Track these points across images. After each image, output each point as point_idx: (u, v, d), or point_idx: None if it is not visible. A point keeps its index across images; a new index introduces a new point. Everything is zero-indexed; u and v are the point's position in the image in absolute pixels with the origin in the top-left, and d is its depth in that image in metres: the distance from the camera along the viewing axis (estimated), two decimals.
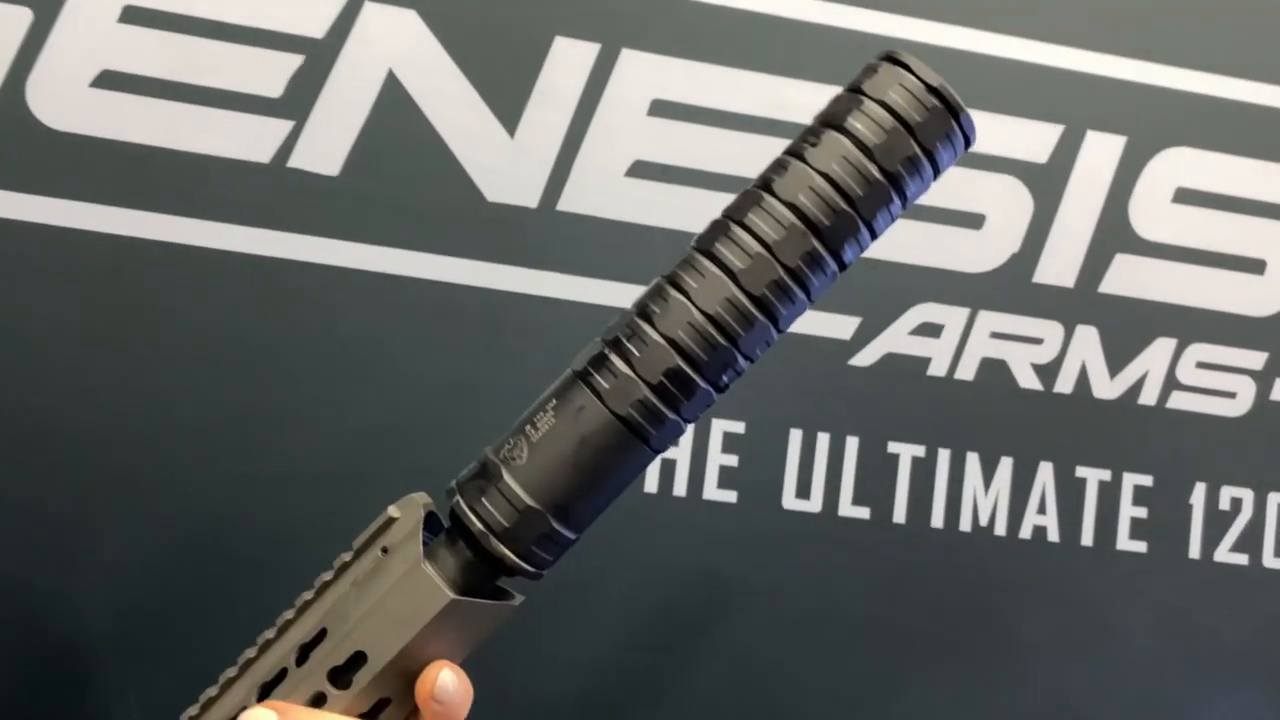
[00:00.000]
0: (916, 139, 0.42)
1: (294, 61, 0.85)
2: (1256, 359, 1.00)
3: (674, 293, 0.44)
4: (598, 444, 0.43)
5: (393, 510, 0.46)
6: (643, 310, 0.45)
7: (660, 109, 0.91)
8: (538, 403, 0.46)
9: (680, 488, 0.90)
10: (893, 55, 0.44)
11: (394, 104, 0.87)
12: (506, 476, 0.44)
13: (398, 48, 0.87)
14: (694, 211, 0.90)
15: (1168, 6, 1.00)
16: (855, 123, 0.42)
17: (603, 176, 0.90)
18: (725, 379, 0.45)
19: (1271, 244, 1.01)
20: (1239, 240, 1.01)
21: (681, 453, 0.90)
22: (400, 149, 0.87)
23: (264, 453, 0.84)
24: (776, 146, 0.91)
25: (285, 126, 0.85)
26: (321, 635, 0.45)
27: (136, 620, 0.82)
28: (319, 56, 0.86)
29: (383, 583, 0.44)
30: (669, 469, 0.90)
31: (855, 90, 0.44)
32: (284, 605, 0.48)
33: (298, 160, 0.85)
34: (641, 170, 0.91)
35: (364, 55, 0.87)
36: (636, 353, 0.43)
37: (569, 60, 0.90)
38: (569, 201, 0.90)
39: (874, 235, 0.44)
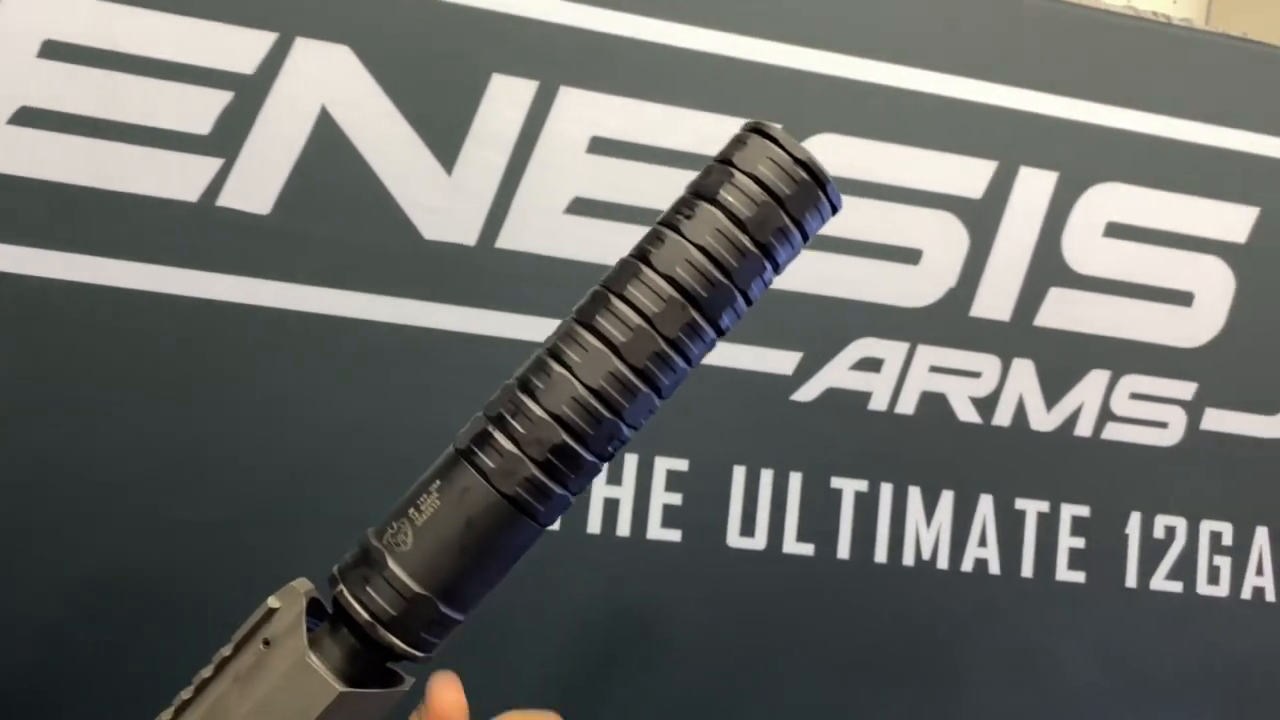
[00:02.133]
0: (786, 210, 0.44)
1: (223, 98, 0.83)
2: (1187, 389, 1.02)
3: (557, 367, 0.44)
4: (485, 525, 0.43)
5: (273, 601, 0.44)
6: (525, 385, 0.44)
7: (599, 146, 0.91)
8: (420, 483, 0.45)
9: (624, 528, 0.89)
10: (759, 128, 0.45)
11: (327, 141, 0.85)
12: (391, 563, 0.43)
13: (331, 84, 0.86)
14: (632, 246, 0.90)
15: (1098, 46, 1.02)
16: (727, 195, 0.43)
17: (542, 214, 0.89)
18: (611, 449, 0.45)
19: (1199, 276, 1.04)
20: (1167, 273, 1.03)
21: (625, 492, 0.89)
22: (334, 187, 0.86)
23: (189, 499, 0.82)
24: None
25: (214, 164, 0.83)
26: None
27: (43, 674, 0.79)
28: (249, 93, 0.84)
29: (267, 678, 0.42)
30: (612, 509, 0.89)
31: (725, 162, 0.45)
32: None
33: (227, 199, 0.83)
34: (581, 207, 0.90)
35: (296, 92, 0.85)
36: (521, 429, 0.43)
37: (507, 98, 0.89)
38: (508, 239, 0.89)
39: (749, 302, 0.46)
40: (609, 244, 0.88)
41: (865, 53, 0.96)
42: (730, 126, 0.92)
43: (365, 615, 0.43)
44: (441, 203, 0.87)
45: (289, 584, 0.44)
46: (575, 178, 0.90)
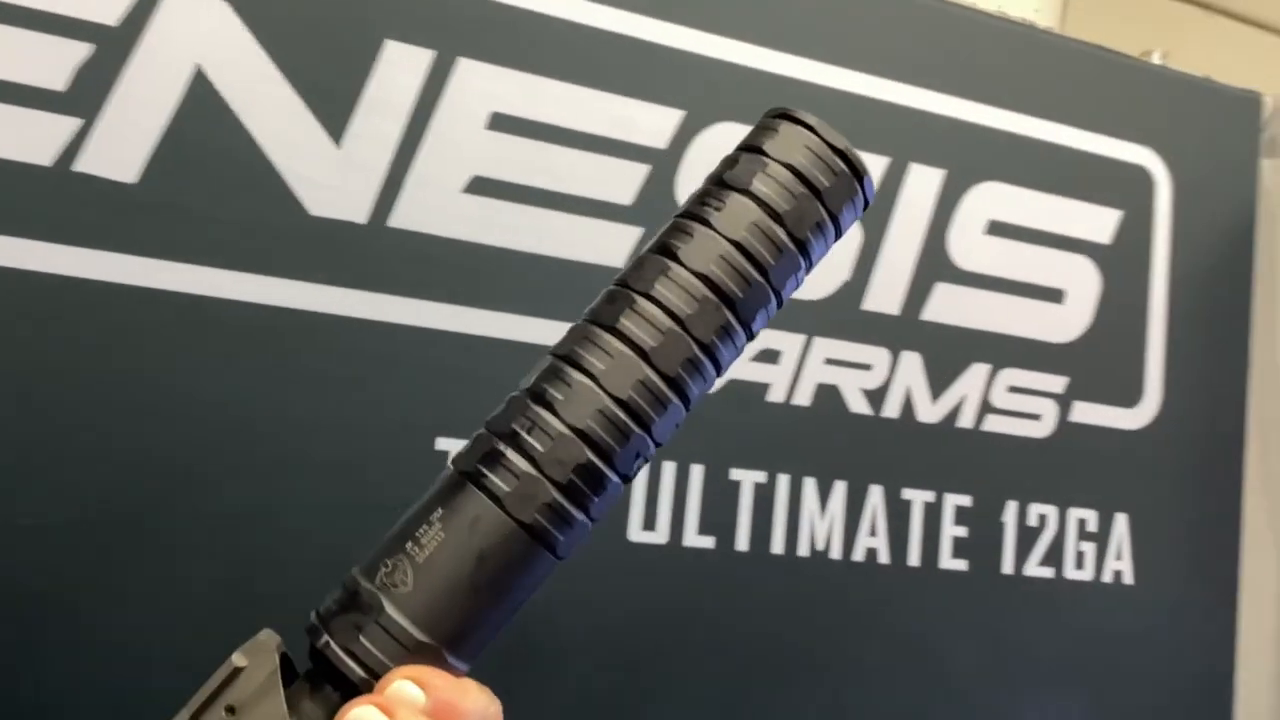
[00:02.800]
0: (824, 204, 0.40)
1: (81, 51, 0.75)
2: (1058, 383, 1.07)
3: (577, 375, 0.39)
4: (499, 560, 0.37)
5: (238, 658, 0.37)
6: (540, 397, 0.39)
7: (500, 123, 0.86)
8: (416, 512, 0.39)
9: None
10: (792, 114, 0.41)
11: (202, 105, 0.78)
12: (389, 608, 0.37)
13: (206, 42, 0.78)
14: (535, 231, 0.86)
15: (978, 47, 1.05)
16: (762, 186, 0.40)
17: (438, 192, 0.84)
18: (635, 468, 0.40)
19: (1070, 275, 1.08)
20: (1042, 271, 1.07)
21: None
22: (210, 155, 0.78)
23: (39, 496, 0.73)
24: (618, 167, 0.89)
25: (71, 125, 0.74)
26: None
27: None
28: (112, 46, 0.75)
29: None
30: None
31: (756, 150, 0.41)
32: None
33: (86, 164, 0.74)
34: (481, 186, 0.86)
35: (166, 48, 0.77)
36: (540, 447, 0.37)
37: (401, 66, 0.83)
38: (401, 218, 0.83)
39: (780, 304, 0.42)
40: (509, 226, 0.84)
41: (768, 42, 0.95)
42: (634, 110, 0.90)
43: (359, 671, 0.36)
44: (329, 176, 0.81)
45: (254, 638, 0.37)
46: (474, 155, 0.85)
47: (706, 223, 0.40)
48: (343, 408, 0.81)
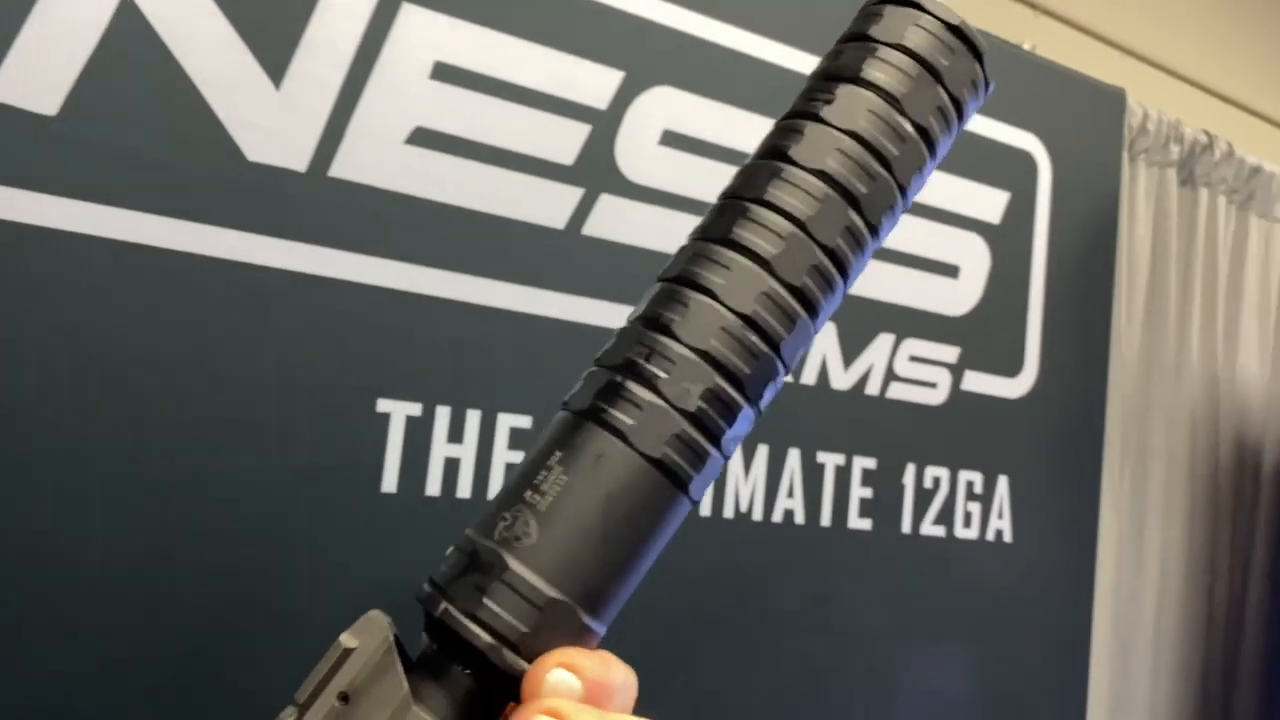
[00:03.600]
0: (945, 86, 0.36)
1: None
2: (952, 353, 1.13)
3: (695, 294, 0.34)
4: (630, 500, 0.33)
5: (346, 639, 0.33)
6: (655, 321, 0.34)
7: (444, 73, 0.83)
8: (532, 459, 0.34)
9: (465, 489, 0.83)
10: None
11: (130, 34, 0.71)
12: (514, 563, 0.32)
13: None
14: (478, 188, 0.84)
15: None
16: (875, 72, 0.35)
17: (381, 142, 0.81)
18: (766, 394, 0.35)
19: (964, 251, 1.14)
20: (940, 247, 1.13)
21: (466, 451, 0.83)
22: (137, 89, 0.72)
23: None
24: (560, 125, 0.88)
25: None
26: None
27: None
28: None
29: None
30: (453, 469, 0.83)
31: (861, 38, 0.37)
32: None
33: (1, 93, 0.67)
34: (423, 138, 0.82)
35: None
36: (662, 374, 0.33)
37: (344, 8, 0.79)
38: (343, 167, 0.79)
39: (906, 203, 0.37)
40: (453, 181, 0.82)
41: (709, 10, 0.95)
42: (580, 70, 0.89)
43: (487, 638, 0.32)
44: (269, 120, 0.76)
45: (363, 617, 0.33)
46: (417, 105, 0.82)
47: (817, 117, 0.35)
48: (278, 366, 0.76)
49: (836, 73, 0.36)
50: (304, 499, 0.77)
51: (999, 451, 1.17)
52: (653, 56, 0.93)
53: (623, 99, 0.92)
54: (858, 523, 1.06)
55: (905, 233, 1.09)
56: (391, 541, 0.80)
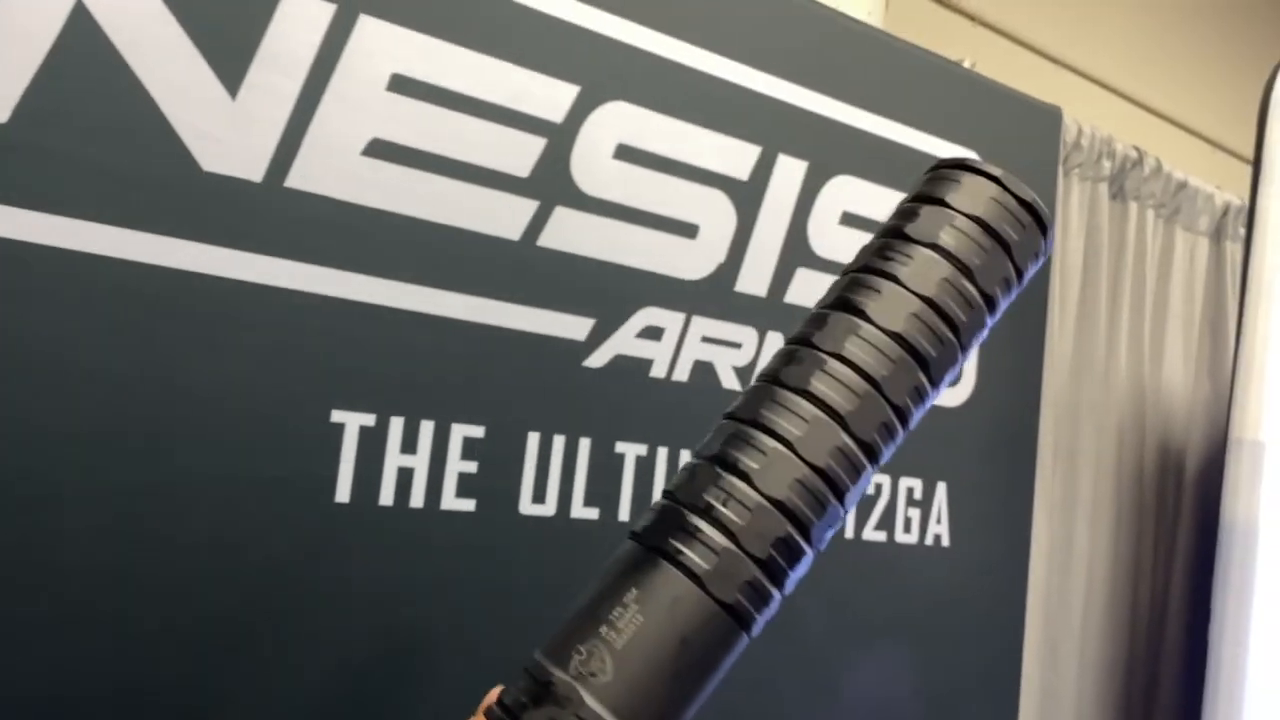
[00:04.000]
0: (1013, 258, 0.39)
1: None
2: None
3: (771, 442, 0.36)
4: (702, 644, 0.35)
5: None
6: (732, 465, 0.36)
7: (401, 85, 0.83)
8: (604, 589, 0.36)
9: (418, 498, 0.84)
10: (975, 165, 0.40)
11: (84, 42, 0.71)
12: (590, 700, 0.34)
13: None
14: (434, 199, 0.84)
15: (840, 48, 1.11)
16: (950, 240, 0.38)
17: (338, 153, 0.81)
18: (826, 541, 0.38)
19: None
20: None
21: (420, 460, 0.84)
22: (91, 98, 0.71)
23: None
24: (515, 138, 0.88)
25: None
26: None
27: None
28: None
29: None
30: (406, 477, 0.83)
31: (938, 201, 0.39)
32: None
33: None
34: (380, 150, 0.83)
35: None
36: (738, 520, 0.35)
37: (301, 19, 0.79)
38: (299, 178, 0.79)
39: (966, 360, 0.40)
40: (409, 192, 0.83)
41: (669, 29, 0.97)
42: (534, 83, 0.90)
43: None
44: (224, 130, 0.76)
45: None
46: (374, 117, 0.82)
47: (895, 278, 0.38)
48: (232, 377, 0.76)
49: (915, 235, 0.39)
50: (258, 509, 0.77)
51: (938, 459, 1.20)
52: (608, 72, 0.94)
53: (578, 113, 0.93)
54: None
55: (845, 246, 1.12)
56: (345, 552, 0.80)
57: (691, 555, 0.35)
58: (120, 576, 0.72)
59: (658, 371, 0.97)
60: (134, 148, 0.72)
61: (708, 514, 0.35)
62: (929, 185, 0.39)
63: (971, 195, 0.39)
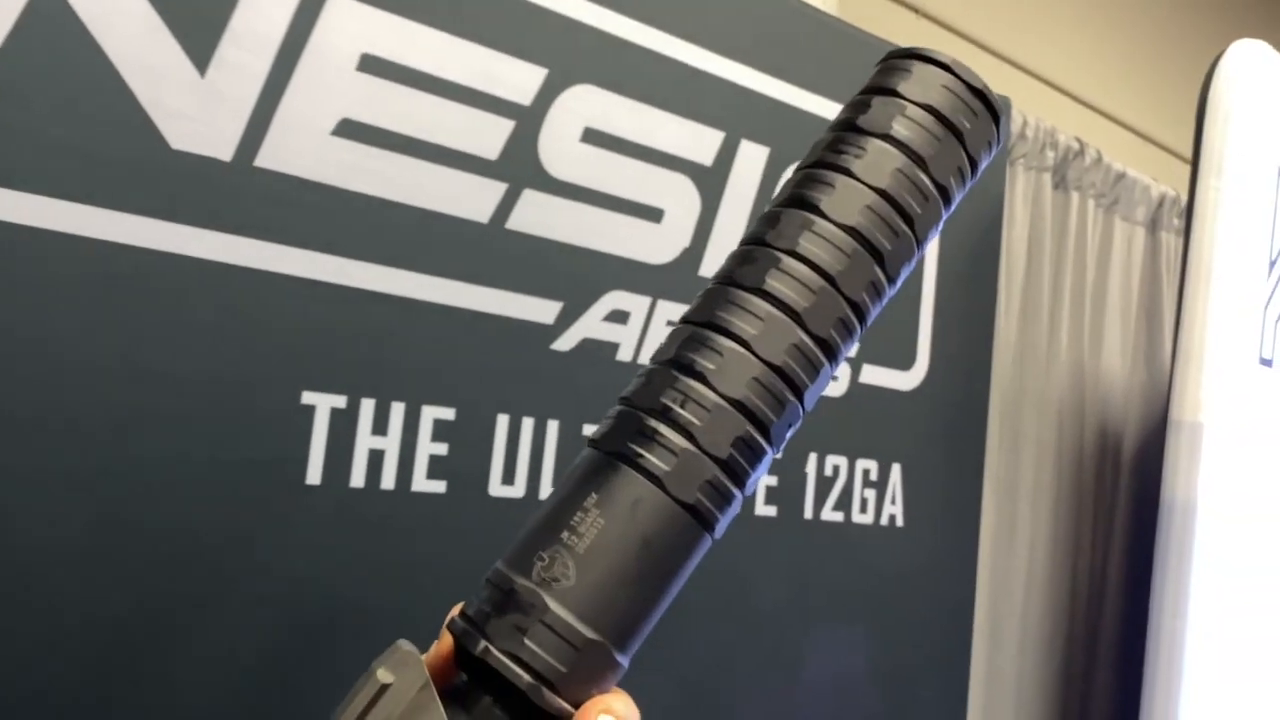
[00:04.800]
0: (966, 147, 0.38)
1: None
2: (852, 347, 1.18)
3: (727, 342, 0.35)
4: (665, 545, 0.34)
5: (383, 674, 0.33)
6: (688, 367, 0.35)
7: (371, 66, 0.83)
8: (565, 498, 0.35)
9: (389, 480, 0.84)
10: (926, 54, 0.38)
11: (48, 14, 0.69)
12: (553, 605, 0.33)
13: None
14: (403, 181, 0.84)
15: (828, 43, 1.13)
16: (903, 130, 0.37)
17: (308, 133, 0.80)
18: (786, 440, 0.37)
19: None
20: None
21: (390, 442, 0.84)
22: (57, 73, 0.70)
23: None
24: (484, 120, 0.88)
25: None
26: None
27: None
28: None
29: None
30: (377, 459, 0.83)
31: (889, 91, 0.38)
32: None
33: None
34: (349, 130, 0.82)
35: None
36: (696, 421, 0.34)
37: None
38: (269, 157, 0.79)
39: (921, 253, 0.39)
40: (378, 173, 0.82)
41: (641, 16, 0.97)
42: (503, 65, 0.90)
43: (527, 678, 0.33)
44: (193, 108, 0.75)
45: (393, 649, 0.33)
46: (344, 97, 0.82)
47: (848, 171, 0.37)
48: (202, 358, 0.76)
49: (867, 126, 0.37)
50: (229, 492, 0.77)
51: (892, 440, 1.23)
52: (576, 55, 0.95)
53: (546, 95, 0.93)
54: (764, 509, 1.10)
55: None
56: (317, 534, 0.80)
57: (650, 458, 0.34)
58: (88, 560, 0.71)
59: (624, 355, 0.98)
60: (102, 125, 0.71)
61: (665, 416, 0.35)
62: (881, 76, 0.39)
63: (923, 84, 0.38)
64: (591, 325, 0.96)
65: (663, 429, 0.35)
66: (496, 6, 0.89)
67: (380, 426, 0.83)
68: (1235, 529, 1.34)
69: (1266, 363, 1.39)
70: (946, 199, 0.38)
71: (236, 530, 0.77)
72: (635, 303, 0.99)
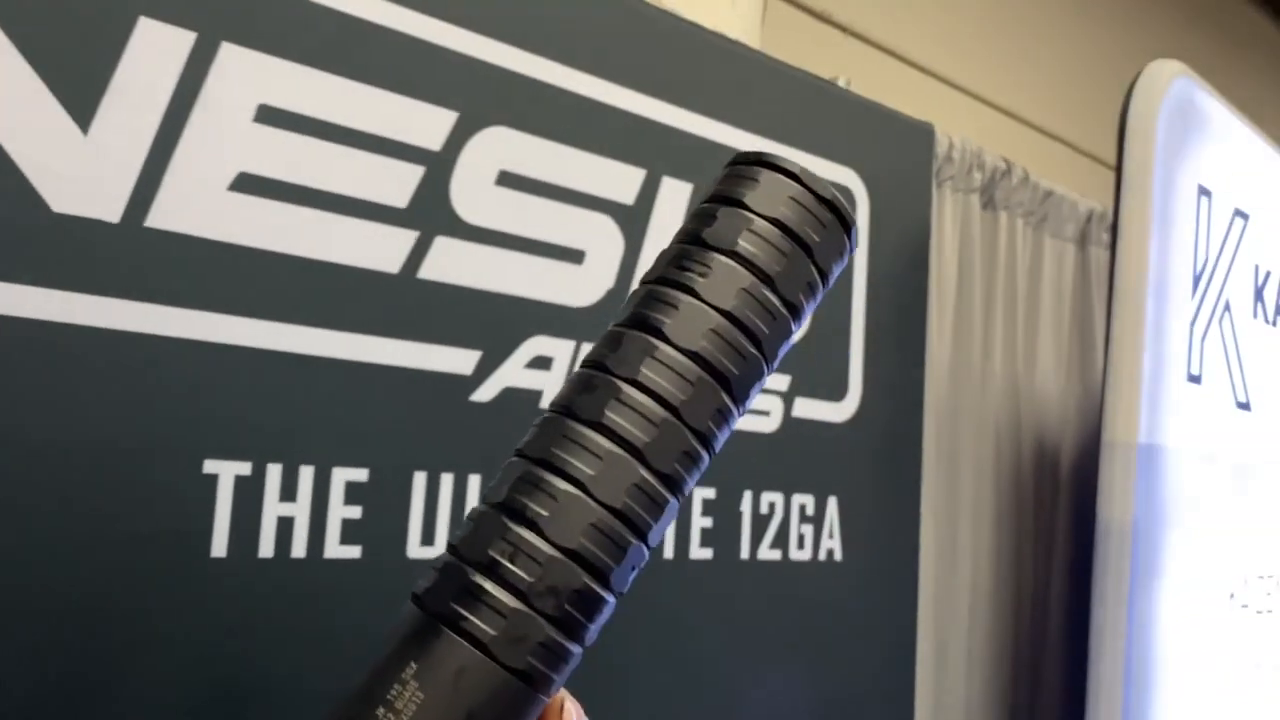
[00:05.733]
0: (815, 261, 0.36)
1: None
2: (784, 381, 1.17)
3: (562, 484, 0.33)
4: (492, 715, 0.31)
5: None
6: (520, 515, 0.33)
7: (268, 116, 0.80)
8: (381, 666, 0.32)
9: (299, 548, 0.80)
10: (772, 161, 0.37)
11: None
12: None
13: None
14: (308, 233, 0.81)
15: (714, 67, 1.11)
16: (749, 247, 0.35)
17: (202, 189, 0.77)
18: (628, 581, 0.35)
19: None
20: None
21: (300, 509, 0.80)
22: None
23: None
24: (392, 168, 0.86)
25: None
26: None
27: None
28: None
29: None
30: (286, 527, 0.79)
31: (735, 203, 0.36)
32: None
33: None
34: (248, 184, 0.79)
35: None
36: (526, 576, 0.32)
37: (157, 49, 0.75)
38: (160, 217, 0.75)
39: (771, 370, 0.37)
40: (280, 227, 0.79)
41: (552, 55, 0.95)
42: (407, 109, 0.87)
43: None
44: (76, 168, 0.71)
45: None
46: (241, 150, 0.78)
47: (692, 291, 0.35)
48: (95, 429, 0.71)
49: (712, 241, 0.36)
50: (129, 569, 0.73)
51: (828, 473, 1.21)
52: (486, 96, 0.92)
53: (456, 140, 0.90)
54: (699, 553, 1.08)
55: None
56: (225, 607, 0.76)
57: (476, 621, 0.31)
58: None
59: (548, 402, 0.95)
60: None
61: (493, 572, 0.32)
62: (727, 183, 0.37)
63: (770, 195, 0.36)
64: (513, 373, 0.93)
65: (489, 586, 0.32)
66: (401, 50, 0.87)
67: (289, 493, 0.80)
68: (1173, 545, 1.35)
69: (1195, 379, 1.40)
70: (796, 315, 0.37)
71: (139, 606, 0.73)
72: (559, 347, 0.97)
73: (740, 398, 0.36)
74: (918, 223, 1.36)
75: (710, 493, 1.09)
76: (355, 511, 0.83)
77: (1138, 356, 1.27)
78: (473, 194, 0.91)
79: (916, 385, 1.34)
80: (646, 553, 0.35)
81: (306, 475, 0.81)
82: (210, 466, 0.76)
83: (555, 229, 0.96)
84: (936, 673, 1.61)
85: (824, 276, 0.37)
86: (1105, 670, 1.26)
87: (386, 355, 0.85)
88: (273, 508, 0.79)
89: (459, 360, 0.89)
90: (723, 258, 0.35)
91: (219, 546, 0.76)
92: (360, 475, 0.83)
